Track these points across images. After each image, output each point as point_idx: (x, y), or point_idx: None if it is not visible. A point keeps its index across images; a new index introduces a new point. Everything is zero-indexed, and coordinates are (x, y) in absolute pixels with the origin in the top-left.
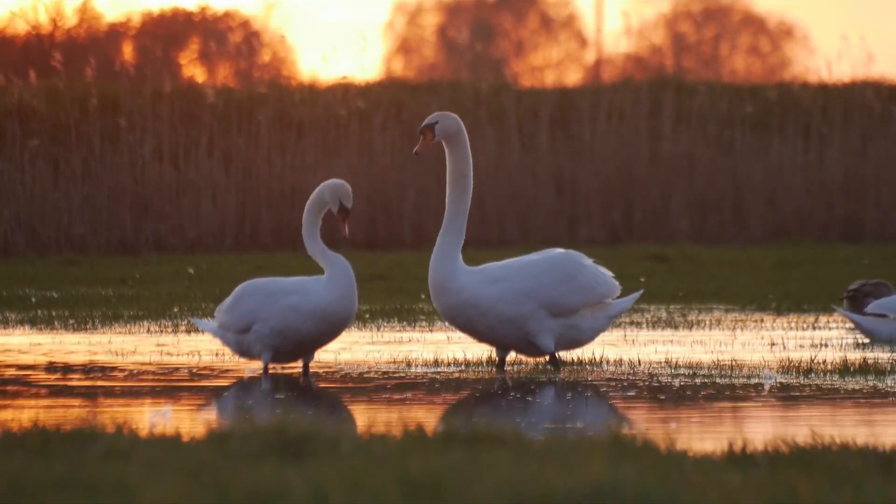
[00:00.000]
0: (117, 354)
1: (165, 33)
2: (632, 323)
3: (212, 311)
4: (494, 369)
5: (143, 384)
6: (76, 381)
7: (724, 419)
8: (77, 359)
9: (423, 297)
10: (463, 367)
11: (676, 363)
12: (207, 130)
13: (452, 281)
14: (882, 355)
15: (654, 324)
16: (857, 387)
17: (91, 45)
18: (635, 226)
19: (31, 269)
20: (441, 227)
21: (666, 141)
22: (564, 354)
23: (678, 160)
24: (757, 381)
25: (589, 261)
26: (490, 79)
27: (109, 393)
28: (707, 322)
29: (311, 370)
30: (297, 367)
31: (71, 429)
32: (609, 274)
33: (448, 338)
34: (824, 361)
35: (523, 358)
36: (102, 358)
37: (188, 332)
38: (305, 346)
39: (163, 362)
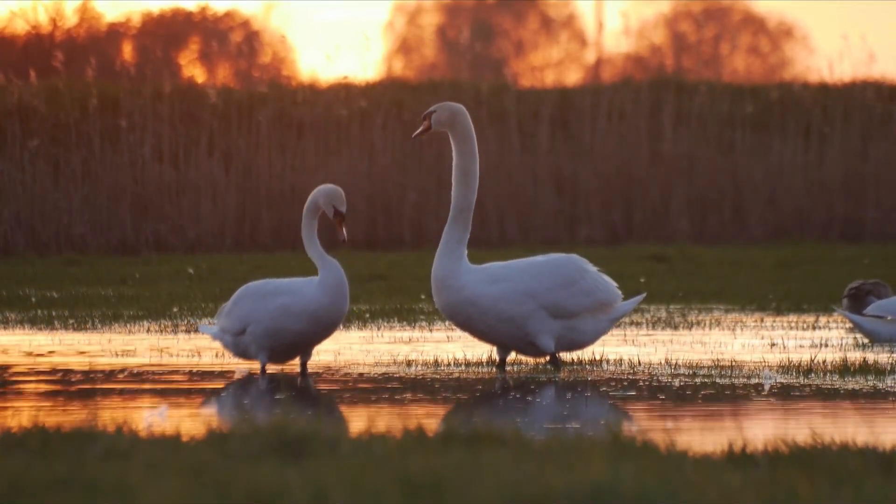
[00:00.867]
0: (117, 354)
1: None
2: (632, 323)
3: (212, 312)
4: (495, 369)
5: (143, 384)
6: (76, 381)
7: (724, 419)
8: (76, 359)
9: (423, 297)
10: (463, 367)
11: (676, 363)
12: (207, 130)
13: (454, 278)
14: (882, 355)
15: (654, 324)
16: (857, 387)
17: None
18: (635, 226)
19: (31, 269)
20: (446, 223)
21: (666, 141)
22: (565, 355)
23: (678, 160)
24: (757, 381)
25: (592, 267)
26: (490, 79)
27: (109, 393)
28: (707, 322)
29: (311, 370)
30: (296, 365)
31: (71, 429)
32: (611, 281)
33: (448, 338)
34: (824, 361)
35: (523, 358)
36: (103, 358)
37: (188, 332)
38: (299, 345)
39: (162, 363)
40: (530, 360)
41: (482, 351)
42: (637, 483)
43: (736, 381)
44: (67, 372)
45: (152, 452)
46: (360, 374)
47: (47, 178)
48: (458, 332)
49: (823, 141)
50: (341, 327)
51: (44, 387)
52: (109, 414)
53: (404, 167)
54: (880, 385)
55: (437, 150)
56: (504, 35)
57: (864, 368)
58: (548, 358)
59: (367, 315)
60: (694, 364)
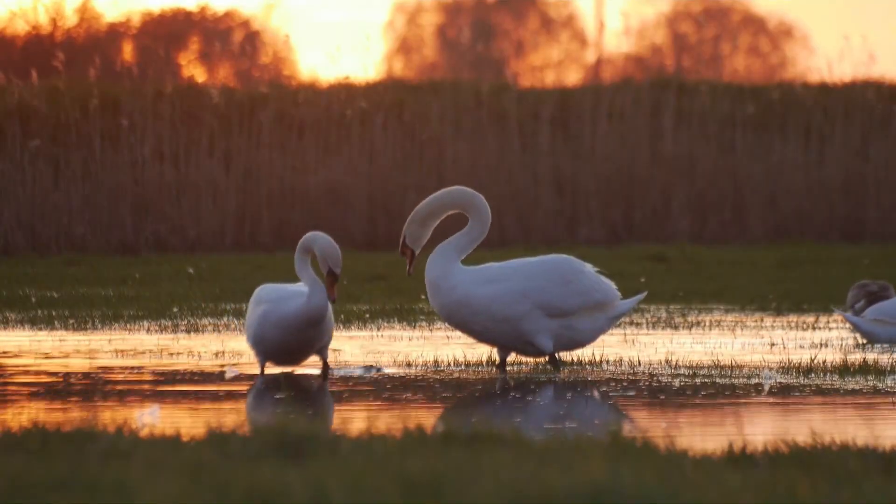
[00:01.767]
0: (117, 354)
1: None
2: (632, 323)
3: (212, 312)
4: (495, 369)
5: (143, 384)
6: (76, 381)
7: (724, 419)
8: (77, 359)
9: (422, 297)
10: (463, 367)
11: (676, 363)
12: (208, 130)
13: (445, 279)
14: (882, 356)
15: (654, 324)
16: (857, 387)
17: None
18: (635, 226)
19: (31, 269)
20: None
21: (666, 141)
22: (565, 355)
23: (679, 160)
24: (757, 381)
25: (588, 267)
26: (490, 79)
27: (108, 393)
28: (707, 322)
29: (309, 372)
30: (295, 366)
31: (71, 429)
32: (610, 283)
33: (448, 338)
34: (824, 361)
35: (523, 358)
36: (102, 358)
37: (188, 332)
38: (287, 352)
39: (162, 363)
40: (530, 360)
41: (482, 351)
42: (637, 483)
43: (736, 381)
44: (67, 372)
45: (152, 452)
46: (361, 375)
47: (47, 178)
48: (458, 333)
49: (824, 141)
50: (340, 327)
51: (43, 387)
52: (109, 414)
53: (404, 167)
54: (880, 385)
55: (438, 150)
56: (504, 35)
57: (864, 368)
58: (547, 358)
59: (367, 315)
60: (694, 364)
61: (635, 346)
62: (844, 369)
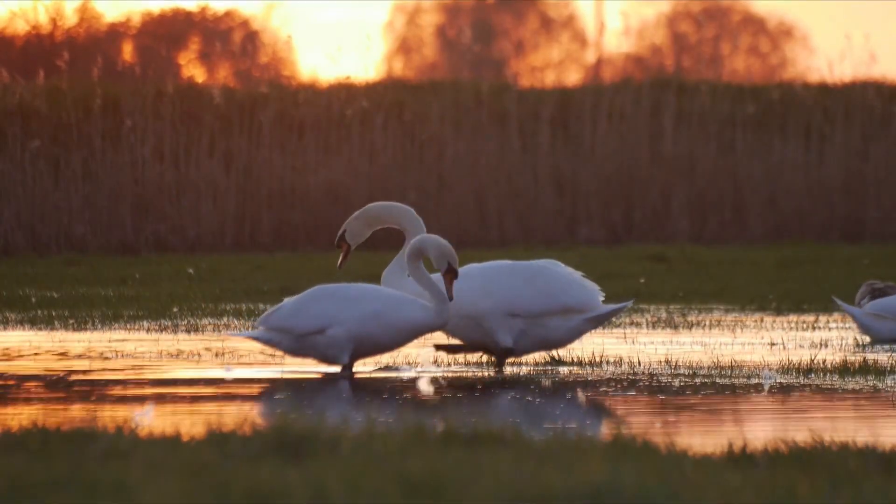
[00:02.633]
0: (117, 354)
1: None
2: (632, 323)
3: (212, 312)
4: (493, 369)
5: (143, 385)
6: (76, 381)
7: (724, 419)
8: (77, 359)
9: None
10: (463, 367)
11: (676, 363)
12: (208, 130)
13: (397, 282)
14: (882, 355)
15: (654, 324)
16: (857, 387)
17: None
18: (635, 226)
19: (31, 269)
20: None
21: (666, 141)
22: (565, 353)
23: (679, 160)
24: (757, 381)
25: (566, 269)
26: (490, 79)
27: (108, 393)
28: (707, 322)
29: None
30: (298, 366)
31: (71, 429)
32: (591, 287)
33: (448, 338)
34: (824, 361)
35: (523, 358)
36: (102, 358)
37: (188, 331)
38: (381, 350)
39: (162, 363)
40: (530, 360)
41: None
42: (637, 483)
43: (736, 381)
44: (67, 372)
45: (152, 452)
46: (360, 375)
47: (48, 178)
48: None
49: (824, 141)
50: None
51: (43, 387)
52: (110, 414)
53: (404, 167)
54: (880, 385)
55: (438, 150)
56: (504, 35)
57: (864, 368)
58: (499, 353)
59: None
60: (694, 364)
61: (635, 346)
62: (844, 369)
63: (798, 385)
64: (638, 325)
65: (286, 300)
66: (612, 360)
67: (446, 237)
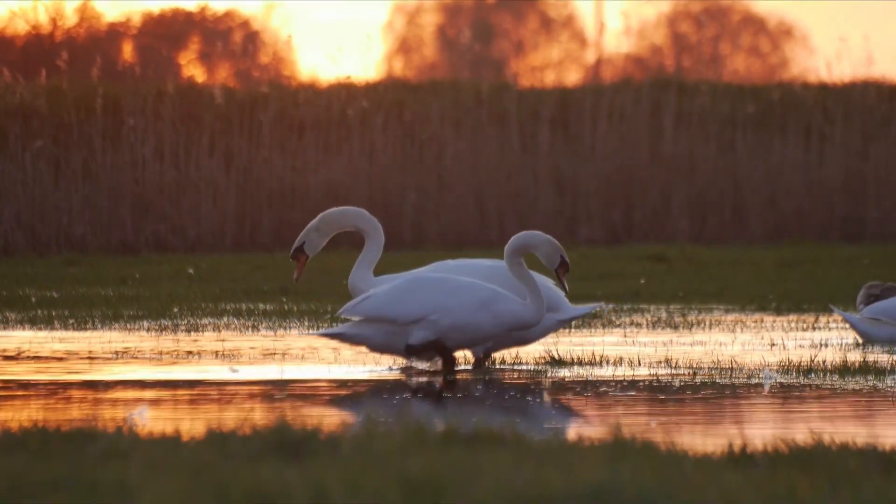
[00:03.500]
0: (117, 354)
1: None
2: (632, 323)
3: (212, 311)
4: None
5: (144, 385)
6: (75, 381)
7: (724, 419)
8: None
9: None
10: (463, 367)
11: (676, 363)
12: (209, 130)
13: (367, 285)
14: (882, 355)
15: (654, 324)
16: (857, 387)
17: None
18: (635, 226)
19: (31, 269)
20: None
21: (666, 141)
22: (565, 353)
23: (678, 160)
24: (757, 381)
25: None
26: (490, 79)
27: (108, 393)
28: (707, 322)
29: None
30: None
31: (71, 429)
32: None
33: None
34: (824, 361)
35: (522, 357)
36: (101, 358)
37: (188, 331)
38: (475, 342)
39: (162, 363)
40: (530, 360)
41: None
42: (637, 483)
43: (736, 381)
44: (67, 372)
45: (152, 452)
46: (361, 374)
47: (48, 178)
48: None
49: (824, 141)
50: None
51: (43, 387)
52: (109, 414)
53: (404, 167)
54: (880, 385)
55: (438, 150)
56: (504, 35)
57: (864, 368)
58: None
59: None
60: (694, 364)
61: (635, 346)
62: (844, 369)
63: (798, 385)
64: (638, 325)
65: (371, 292)
66: (612, 360)
67: (446, 237)
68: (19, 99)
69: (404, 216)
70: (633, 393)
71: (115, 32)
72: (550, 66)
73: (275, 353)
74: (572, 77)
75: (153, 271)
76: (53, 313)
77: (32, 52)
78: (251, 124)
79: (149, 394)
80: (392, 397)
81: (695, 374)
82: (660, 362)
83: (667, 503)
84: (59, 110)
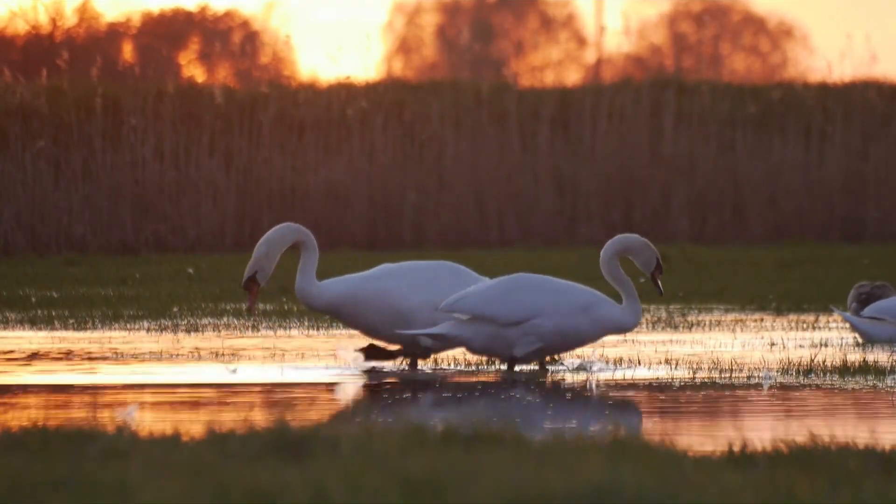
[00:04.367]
0: (117, 354)
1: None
2: None
3: (212, 311)
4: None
5: (143, 385)
6: (75, 381)
7: (724, 419)
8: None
9: None
10: (463, 367)
11: (676, 363)
12: (209, 130)
13: (317, 289)
14: (882, 355)
15: (654, 324)
16: (857, 387)
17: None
18: (635, 226)
19: (31, 269)
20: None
21: (666, 141)
22: (565, 353)
23: (678, 160)
24: (757, 381)
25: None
26: (490, 79)
27: (108, 393)
28: (707, 322)
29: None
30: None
31: (71, 429)
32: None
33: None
34: (824, 361)
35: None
36: (101, 358)
37: (188, 331)
38: (565, 347)
39: (162, 363)
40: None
41: None
42: (637, 483)
43: (736, 381)
44: (66, 372)
45: (152, 452)
46: (361, 374)
47: (48, 178)
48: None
49: (824, 141)
50: (340, 325)
51: (43, 387)
52: (109, 414)
53: (404, 167)
54: (880, 385)
55: (438, 150)
56: (504, 35)
57: (864, 368)
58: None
59: None
60: (694, 364)
61: (635, 346)
62: (844, 369)
63: (798, 385)
64: (638, 325)
65: (472, 288)
66: (612, 360)
67: (446, 237)
68: (19, 99)
69: (404, 216)
70: (632, 393)
71: (115, 32)
72: (550, 66)
73: (275, 353)
74: (572, 77)
75: (153, 271)
76: (53, 313)
77: (32, 51)
78: (251, 124)
79: (148, 394)
80: (392, 397)
81: (695, 374)
82: (660, 362)
83: (667, 503)
84: (60, 110)
